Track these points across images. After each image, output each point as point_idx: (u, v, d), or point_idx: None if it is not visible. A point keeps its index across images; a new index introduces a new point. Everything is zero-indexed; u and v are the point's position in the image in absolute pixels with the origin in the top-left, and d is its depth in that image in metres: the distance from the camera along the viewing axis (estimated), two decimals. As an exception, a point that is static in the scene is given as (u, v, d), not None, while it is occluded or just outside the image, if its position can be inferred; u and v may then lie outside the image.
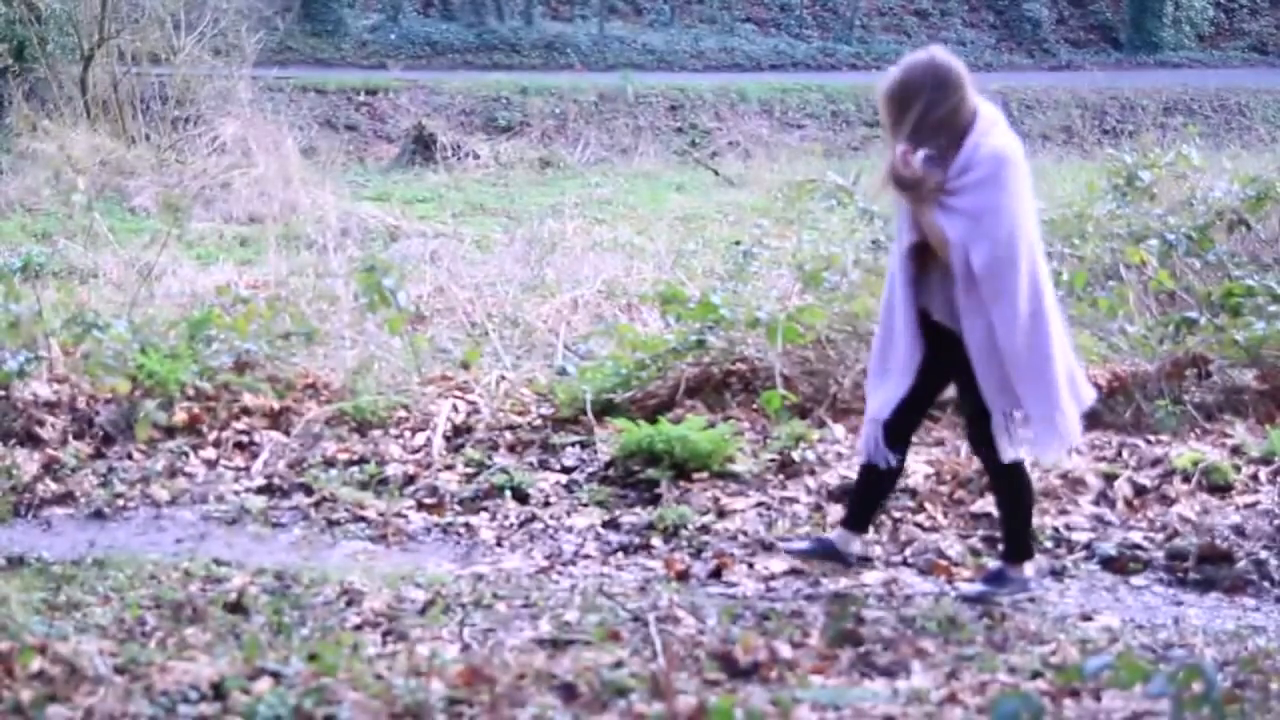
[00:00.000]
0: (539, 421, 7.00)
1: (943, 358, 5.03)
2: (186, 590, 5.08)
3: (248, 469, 6.69)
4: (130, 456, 6.78)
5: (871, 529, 5.75)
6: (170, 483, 6.49)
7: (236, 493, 6.42)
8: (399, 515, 6.15)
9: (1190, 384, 7.04)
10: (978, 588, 5.19)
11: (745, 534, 5.81)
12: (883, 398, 5.08)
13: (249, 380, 7.35)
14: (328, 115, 24.02)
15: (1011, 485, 5.17)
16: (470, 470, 6.55)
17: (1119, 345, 7.22)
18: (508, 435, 6.89)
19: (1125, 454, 6.41)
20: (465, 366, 7.72)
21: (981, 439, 5.10)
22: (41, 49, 19.33)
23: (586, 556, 5.70)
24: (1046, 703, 4.00)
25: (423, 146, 20.51)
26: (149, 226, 13.87)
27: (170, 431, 6.95)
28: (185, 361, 7.28)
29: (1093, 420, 6.80)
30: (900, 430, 5.14)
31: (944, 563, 5.50)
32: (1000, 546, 5.36)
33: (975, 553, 5.57)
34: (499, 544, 5.88)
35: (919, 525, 5.86)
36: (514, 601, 5.06)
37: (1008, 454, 5.01)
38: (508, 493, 6.30)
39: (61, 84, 19.15)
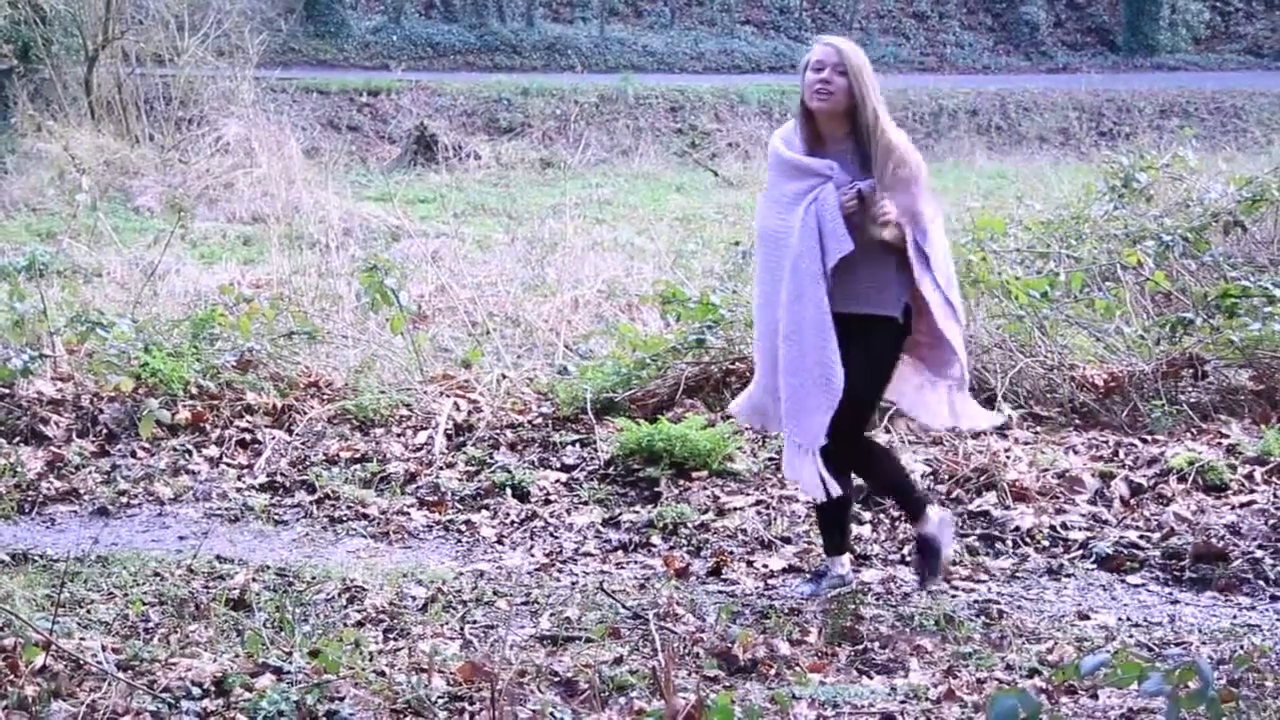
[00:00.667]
0: (540, 420, 7.04)
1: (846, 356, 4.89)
2: (189, 587, 5.11)
3: (250, 467, 6.73)
4: (134, 454, 6.83)
5: (870, 527, 5.80)
6: (174, 480, 6.54)
7: (239, 490, 6.47)
8: (400, 513, 6.18)
9: (1186, 384, 7.08)
10: (917, 575, 5.15)
11: (744, 532, 5.84)
12: (815, 423, 4.83)
13: (252, 379, 7.40)
14: (330, 116, 24.05)
15: (877, 461, 5.14)
16: (471, 468, 6.59)
17: (1115, 346, 7.26)
18: (509, 434, 6.93)
19: (1121, 453, 6.44)
20: (466, 365, 7.76)
21: (852, 428, 4.94)
22: (46, 50, 19.35)
23: (587, 554, 5.74)
24: (1043, 700, 4.04)
25: (424, 147, 20.52)
26: (153, 226, 13.91)
27: (174, 429, 7.01)
28: (189, 360, 7.33)
29: (1089, 420, 6.86)
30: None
31: (941, 561, 5.52)
32: (903, 515, 5.41)
33: (972, 551, 5.60)
34: (500, 541, 5.91)
35: (917, 524, 5.89)
36: (514, 599, 5.10)
37: (992, 419, 5.18)
38: (508, 491, 6.34)
39: (66, 84, 19.16)
